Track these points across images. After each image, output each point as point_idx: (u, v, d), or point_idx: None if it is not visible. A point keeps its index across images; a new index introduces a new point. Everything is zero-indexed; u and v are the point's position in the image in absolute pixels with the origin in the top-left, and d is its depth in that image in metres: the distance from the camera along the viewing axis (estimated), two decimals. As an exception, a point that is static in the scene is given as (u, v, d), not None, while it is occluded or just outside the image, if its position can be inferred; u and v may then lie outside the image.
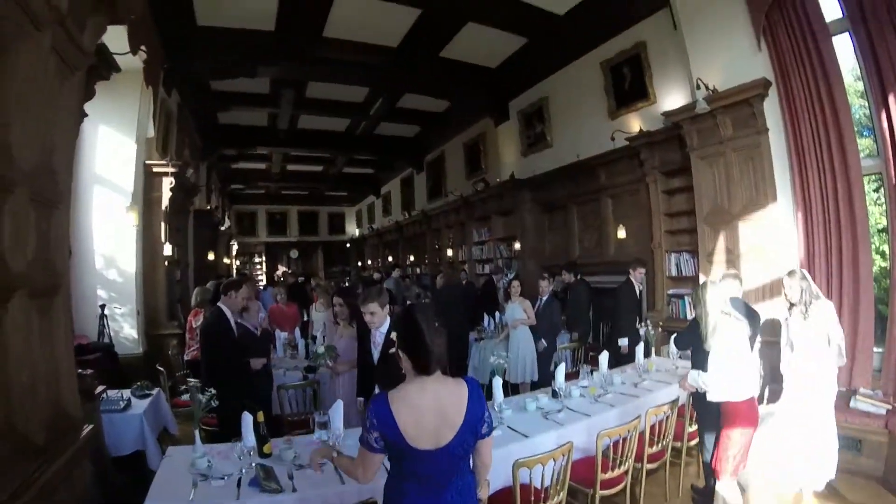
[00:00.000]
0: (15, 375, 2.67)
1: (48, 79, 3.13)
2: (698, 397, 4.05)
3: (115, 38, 5.12)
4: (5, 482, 2.42)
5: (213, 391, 3.52)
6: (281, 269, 25.20)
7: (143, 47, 6.43)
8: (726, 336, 3.63)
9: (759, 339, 4.36)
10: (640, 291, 7.68)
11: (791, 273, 4.52)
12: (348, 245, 28.08)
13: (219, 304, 4.93)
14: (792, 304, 4.50)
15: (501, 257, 12.63)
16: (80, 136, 6.62)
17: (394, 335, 3.98)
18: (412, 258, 19.17)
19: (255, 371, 4.98)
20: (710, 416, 4.00)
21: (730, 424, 3.67)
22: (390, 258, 21.54)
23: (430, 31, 9.65)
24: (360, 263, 26.85)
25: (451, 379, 2.24)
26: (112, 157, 7.80)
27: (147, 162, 8.40)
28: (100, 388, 4.40)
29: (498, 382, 4.55)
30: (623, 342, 6.93)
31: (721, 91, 6.41)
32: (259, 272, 26.09)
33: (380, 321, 4.14)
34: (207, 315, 5.29)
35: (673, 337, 5.87)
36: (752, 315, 4.26)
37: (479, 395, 2.26)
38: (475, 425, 2.21)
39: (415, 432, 2.09)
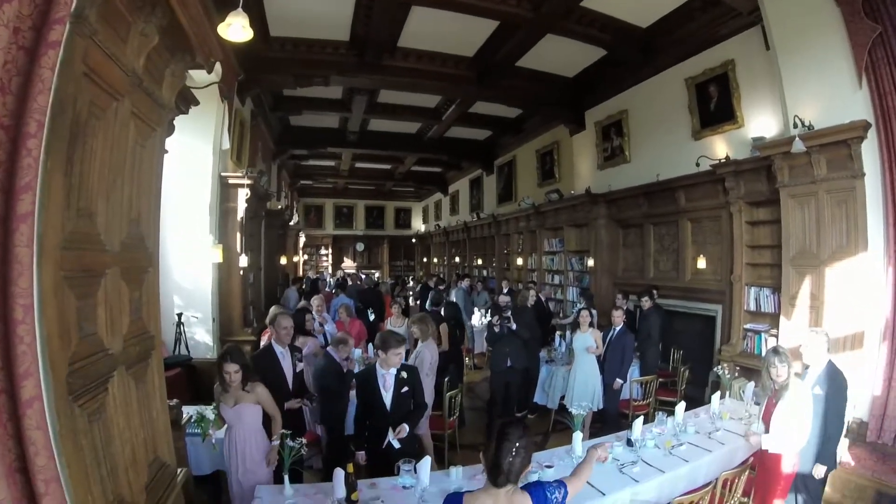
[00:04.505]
0: (120, 455, 2.67)
1: (129, 146, 2.97)
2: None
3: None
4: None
5: (304, 440, 3.69)
6: (345, 264, 25.57)
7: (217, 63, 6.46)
8: (796, 397, 4.04)
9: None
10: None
11: None
12: (413, 240, 28.28)
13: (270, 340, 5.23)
14: None
15: (573, 270, 12.36)
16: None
17: (403, 374, 4.24)
18: (479, 261, 18.98)
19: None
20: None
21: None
22: (457, 258, 21.46)
23: (507, 42, 9.48)
24: (424, 259, 27.10)
25: (518, 492, 2.45)
26: (188, 167, 7.68)
27: (223, 174, 8.47)
28: (185, 418, 4.60)
29: (578, 437, 4.65)
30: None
31: (817, 129, 5.98)
32: (325, 264, 26.66)
33: (398, 363, 4.24)
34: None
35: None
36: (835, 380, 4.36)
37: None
38: None
39: None
